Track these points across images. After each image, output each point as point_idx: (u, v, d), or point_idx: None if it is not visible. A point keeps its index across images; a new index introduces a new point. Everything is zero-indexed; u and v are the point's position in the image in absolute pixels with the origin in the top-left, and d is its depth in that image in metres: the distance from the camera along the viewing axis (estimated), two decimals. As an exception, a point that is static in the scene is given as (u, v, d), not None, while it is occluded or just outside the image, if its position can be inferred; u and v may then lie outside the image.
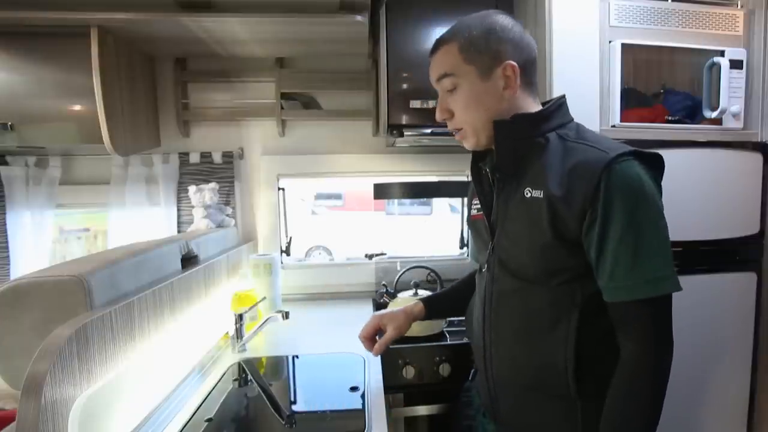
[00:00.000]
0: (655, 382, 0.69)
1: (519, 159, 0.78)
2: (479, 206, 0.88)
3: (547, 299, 0.75)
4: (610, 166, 0.68)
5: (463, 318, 1.23)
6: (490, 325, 0.83)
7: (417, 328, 1.33)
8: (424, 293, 1.41)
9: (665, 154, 0.75)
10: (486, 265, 0.84)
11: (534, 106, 0.80)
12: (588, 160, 0.70)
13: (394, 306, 1.39)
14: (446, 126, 0.84)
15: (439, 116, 0.82)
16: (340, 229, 5.96)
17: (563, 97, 0.82)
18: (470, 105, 0.78)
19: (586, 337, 0.73)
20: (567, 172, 0.71)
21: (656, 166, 0.74)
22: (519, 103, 0.79)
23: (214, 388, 1.02)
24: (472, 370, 1.05)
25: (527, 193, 0.76)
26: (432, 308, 1.05)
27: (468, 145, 0.83)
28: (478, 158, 0.87)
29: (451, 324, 1.42)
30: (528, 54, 0.78)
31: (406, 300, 1.38)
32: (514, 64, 0.76)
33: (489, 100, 0.77)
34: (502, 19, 0.78)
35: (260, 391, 1.02)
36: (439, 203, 6.01)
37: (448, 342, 1.30)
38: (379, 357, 1.14)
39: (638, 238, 0.67)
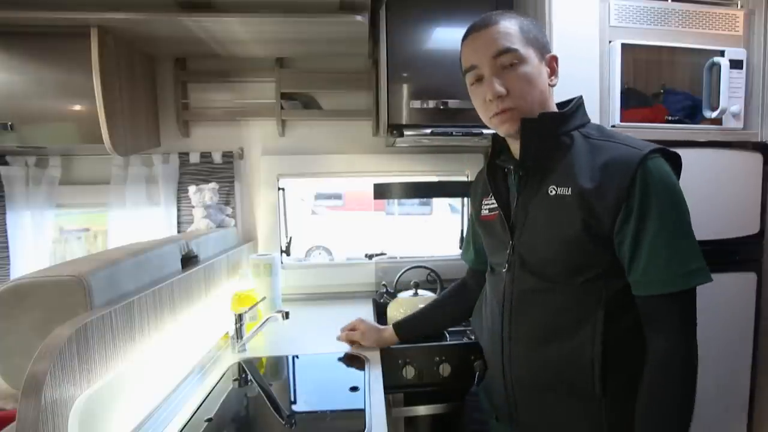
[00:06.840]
0: (686, 373, 0.69)
1: (544, 156, 0.79)
2: (491, 206, 0.88)
3: (572, 298, 0.75)
4: (644, 162, 0.70)
5: (462, 320, 1.22)
6: (510, 327, 0.82)
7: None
8: (424, 293, 1.41)
9: (665, 154, 0.75)
10: (506, 266, 0.83)
11: (554, 106, 0.82)
12: (621, 156, 0.72)
13: (394, 306, 1.39)
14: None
15: (498, 90, 0.75)
16: (340, 229, 5.97)
17: (581, 98, 0.83)
18: (533, 83, 0.77)
19: (612, 335, 0.73)
20: (599, 168, 0.72)
21: (676, 165, 0.76)
22: (552, 97, 0.82)
23: (214, 388, 1.02)
24: (477, 375, 1.04)
25: (551, 191, 0.76)
26: (404, 332, 1.17)
27: (509, 128, 0.79)
28: (495, 155, 0.87)
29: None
30: None
31: (406, 300, 1.38)
32: (557, 57, 0.80)
33: (543, 83, 0.79)
34: None
35: (260, 391, 1.01)
36: (439, 203, 6.03)
37: (448, 342, 1.30)
38: (379, 357, 1.15)
39: (676, 231, 0.69)
